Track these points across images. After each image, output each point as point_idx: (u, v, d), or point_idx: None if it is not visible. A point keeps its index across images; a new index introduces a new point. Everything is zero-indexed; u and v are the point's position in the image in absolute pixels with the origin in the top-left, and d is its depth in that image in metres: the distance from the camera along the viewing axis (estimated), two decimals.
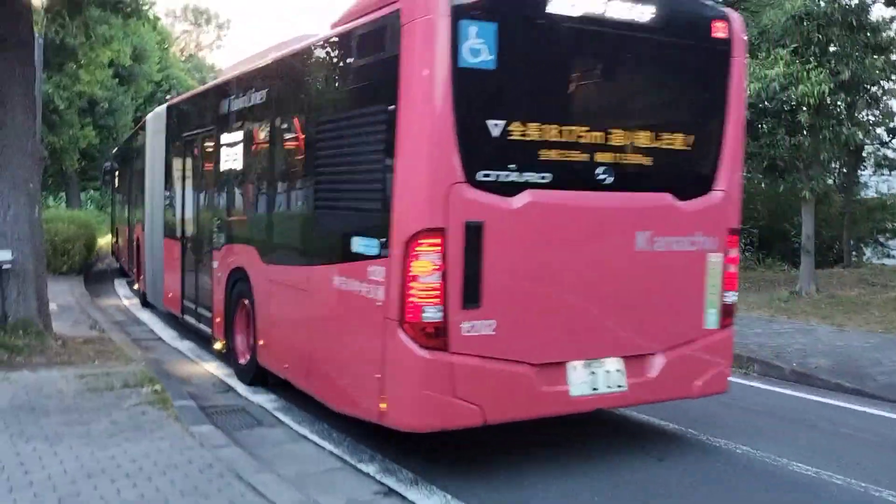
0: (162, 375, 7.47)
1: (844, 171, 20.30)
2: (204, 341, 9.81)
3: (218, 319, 8.43)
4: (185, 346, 9.77)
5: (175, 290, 10.26)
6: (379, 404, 5.11)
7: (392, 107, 5.00)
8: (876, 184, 23.23)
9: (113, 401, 6.39)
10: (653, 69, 5.79)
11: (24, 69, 7.88)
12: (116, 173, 18.21)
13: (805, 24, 12.99)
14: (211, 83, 10.70)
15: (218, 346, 8.57)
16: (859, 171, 21.06)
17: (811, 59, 12.95)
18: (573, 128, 5.25)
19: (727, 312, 5.99)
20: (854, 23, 13.22)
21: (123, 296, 14.99)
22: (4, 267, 7.77)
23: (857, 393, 8.00)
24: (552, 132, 5.18)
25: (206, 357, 9.03)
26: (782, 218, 20.92)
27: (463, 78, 4.82)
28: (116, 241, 19.16)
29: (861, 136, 14.12)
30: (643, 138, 5.53)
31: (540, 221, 5.13)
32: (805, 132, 13.13)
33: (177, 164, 10.56)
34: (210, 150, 9.05)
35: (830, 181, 18.32)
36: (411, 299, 4.83)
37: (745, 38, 6.06)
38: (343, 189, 5.91)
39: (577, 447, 5.95)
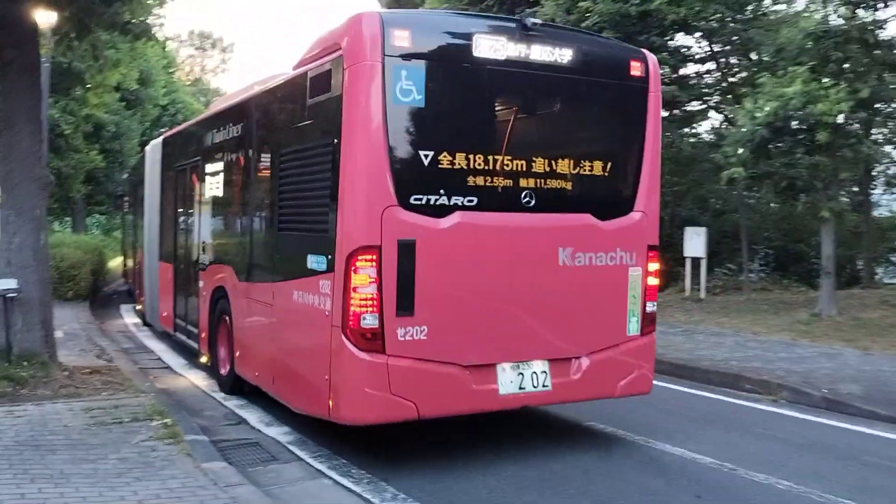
0: (171, 407, 7.20)
1: (855, 189, 20.04)
2: (213, 370, 9.55)
3: (203, 335, 9.16)
4: (194, 374, 9.49)
5: (168, 309, 11.08)
6: (328, 402, 5.71)
7: (336, 140, 5.67)
8: (888, 203, 22.95)
9: (121, 436, 6.11)
10: (574, 104, 6.46)
11: (30, 92, 7.66)
12: (125, 199, 18.83)
13: (822, 41, 12.79)
14: (194, 119, 11.65)
15: (203, 359, 9.30)
16: (869, 190, 20.80)
17: (829, 76, 12.73)
18: (498, 157, 5.88)
19: (648, 320, 6.56)
20: (871, 40, 13.03)
21: (130, 322, 14.71)
22: (9, 296, 7.50)
23: (892, 421, 7.68)
24: (478, 161, 5.79)
25: (216, 387, 8.74)
26: (797, 239, 20.62)
27: (395, 115, 5.50)
28: (125, 265, 19.45)
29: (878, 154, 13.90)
30: (564, 166, 6.18)
31: (468, 239, 5.77)
32: (824, 151, 12.87)
33: (169, 191, 11.42)
34: (195, 179, 9.86)
35: (845, 200, 18.04)
36: (352, 308, 5.44)
37: (660, 74, 6.70)
38: (301, 213, 6.55)
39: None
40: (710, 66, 19.32)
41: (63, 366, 8.11)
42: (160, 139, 12.64)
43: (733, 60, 18.44)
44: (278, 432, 6.87)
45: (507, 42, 5.85)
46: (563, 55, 6.07)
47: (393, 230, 5.48)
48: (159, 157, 11.97)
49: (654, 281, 6.61)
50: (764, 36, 14.76)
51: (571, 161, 6.19)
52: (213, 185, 9.17)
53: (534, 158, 6.02)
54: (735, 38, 16.78)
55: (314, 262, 6.02)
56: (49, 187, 7.94)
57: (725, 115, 21.71)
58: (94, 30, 7.56)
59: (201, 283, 9.25)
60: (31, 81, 7.67)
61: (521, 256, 5.98)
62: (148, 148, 13.36)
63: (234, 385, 8.13)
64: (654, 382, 9.36)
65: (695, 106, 19.38)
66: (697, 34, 17.03)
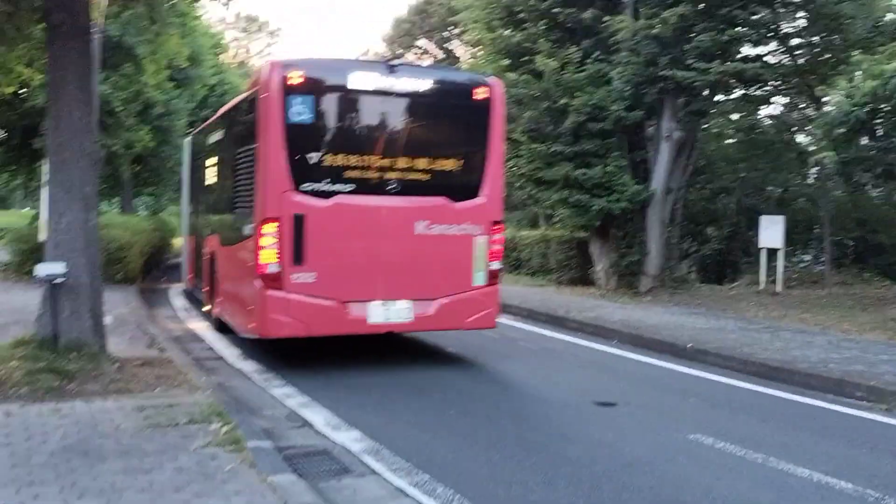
0: (229, 406, 6.56)
1: None
2: (270, 363, 8.96)
3: (206, 288, 11.72)
4: (250, 367, 8.86)
5: (190, 271, 14.26)
6: (251, 325, 8.38)
7: (256, 145, 8.23)
8: None
9: (178, 441, 5.47)
10: (431, 119, 8.81)
11: (81, 59, 7.01)
12: None
13: None
14: (203, 123, 14.69)
15: (206, 308, 11.79)
16: None
17: None
18: (370, 157, 8.33)
19: (492, 275, 8.96)
20: None
21: (180, 306, 14.18)
22: (56, 281, 6.90)
23: None
24: (353, 160, 8.24)
25: (275, 381, 8.10)
26: (872, 229, 19.41)
27: (291, 129, 7.94)
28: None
29: None
30: (423, 163, 8.56)
31: (345, 214, 8.17)
32: None
33: (193, 178, 14.41)
34: (203, 168, 12.79)
35: None
36: (261, 259, 7.92)
37: (504, 96, 9.13)
38: (242, 194, 9.05)
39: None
40: (773, 45, 18.11)
41: (113, 357, 7.49)
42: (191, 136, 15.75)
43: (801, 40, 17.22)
44: (348, 437, 6.18)
45: (377, 77, 8.36)
46: (422, 85, 8.57)
47: (289, 207, 7.96)
48: (189, 150, 15.10)
49: (497, 247, 9.00)
50: (858, 9, 13.61)
51: (428, 160, 8.61)
52: (211, 174, 11.99)
53: (398, 158, 8.47)
54: (804, 13, 15.62)
55: (248, 229, 8.53)
56: (100, 163, 7.31)
57: (791, 98, 20.50)
58: None
59: (204, 249, 11.92)
60: (82, 47, 7.02)
61: (387, 226, 8.40)
62: (185, 140, 16.52)
63: (220, 325, 10.62)
64: (754, 388, 8.66)
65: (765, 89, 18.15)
66: (765, 11, 15.87)
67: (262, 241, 7.91)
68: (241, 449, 5.35)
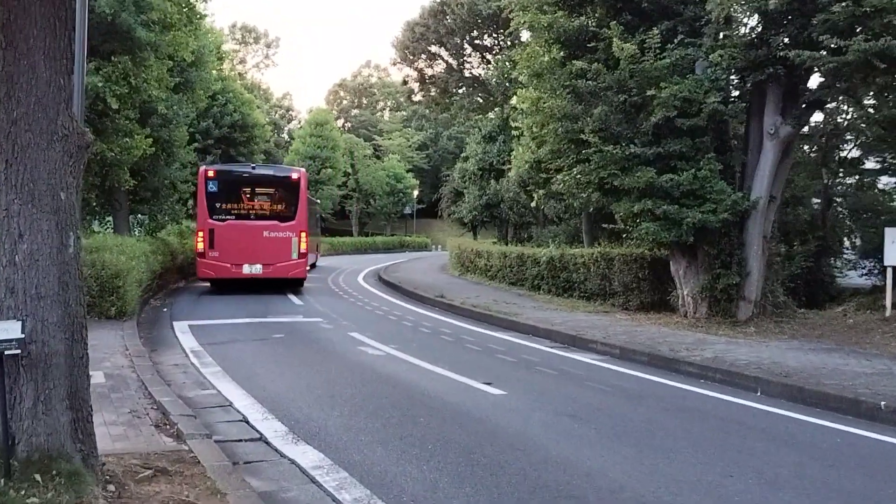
0: None
1: None
2: (328, 445, 6.25)
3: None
4: (306, 457, 6.04)
5: None
6: (198, 273, 21.25)
7: (197, 199, 21.95)
8: None
9: None
10: (271, 188, 21.89)
11: None
12: None
13: None
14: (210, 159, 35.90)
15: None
16: None
17: None
18: (243, 204, 21.23)
19: (301, 254, 21.30)
20: None
21: (189, 347, 11.32)
22: (7, 353, 4.09)
23: None
24: (235, 205, 21.09)
25: (354, 489, 5.30)
26: None
27: (209, 193, 20.82)
28: None
29: None
30: (267, 206, 21.42)
31: (232, 228, 20.68)
32: None
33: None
34: None
35: None
36: (198, 246, 20.85)
37: (306, 177, 22.90)
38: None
39: None
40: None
41: (105, 472, 4.58)
42: None
43: None
44: None
45: (248, 170, 22.15)
46: (269, 173, 22.67)
47: (208, 225, 20.49)
48: None
49: (303, 243, 21.01)
50: None
51: (270, 205, 21.22)
52: None
53: (255, 204, 21.16)
54: None
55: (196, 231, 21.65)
56: (85, 152, 4.50)
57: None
58: None
59: None
60: None
61: (251, 233, 20.53)
62: None
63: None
64: None
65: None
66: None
67: (198, 239, 20.00)
68: None
